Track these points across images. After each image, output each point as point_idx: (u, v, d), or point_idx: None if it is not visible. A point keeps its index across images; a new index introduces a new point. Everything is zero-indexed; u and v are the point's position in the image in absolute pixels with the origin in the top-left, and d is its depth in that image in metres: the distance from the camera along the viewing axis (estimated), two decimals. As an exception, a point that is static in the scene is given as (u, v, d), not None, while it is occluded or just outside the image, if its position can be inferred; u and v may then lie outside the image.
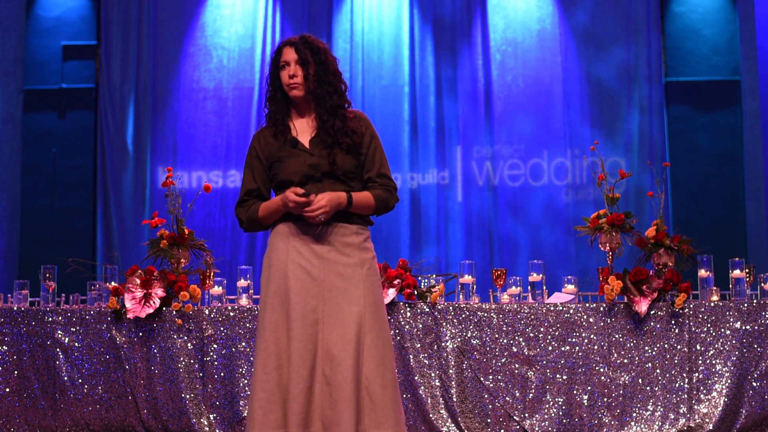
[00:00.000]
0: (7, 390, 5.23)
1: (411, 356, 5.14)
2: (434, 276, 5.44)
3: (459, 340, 5.15)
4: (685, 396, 5.10)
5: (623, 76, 8.78)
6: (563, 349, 5.15)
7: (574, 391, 5.11)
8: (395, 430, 3.43)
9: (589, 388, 5.11)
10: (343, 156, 3.57)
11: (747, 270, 5.41)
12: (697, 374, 5.12)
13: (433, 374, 5.13)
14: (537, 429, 5.08)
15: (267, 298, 3.54)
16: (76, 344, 5.23)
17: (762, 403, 5.08)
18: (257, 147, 3.65)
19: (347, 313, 3.47)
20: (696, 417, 5.08)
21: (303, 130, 3.63)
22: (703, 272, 5.38)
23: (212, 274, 5.43)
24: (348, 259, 3.54)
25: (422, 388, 5.12)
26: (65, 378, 5.21)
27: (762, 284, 5.41)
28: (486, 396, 5.11)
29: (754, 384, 5.10)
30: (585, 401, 5.10)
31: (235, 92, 8.88)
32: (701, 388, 5.11)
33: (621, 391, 5.10)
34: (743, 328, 5.14)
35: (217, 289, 5.51)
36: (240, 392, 5.15)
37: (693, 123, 8.82)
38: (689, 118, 8.83)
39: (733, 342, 5.12)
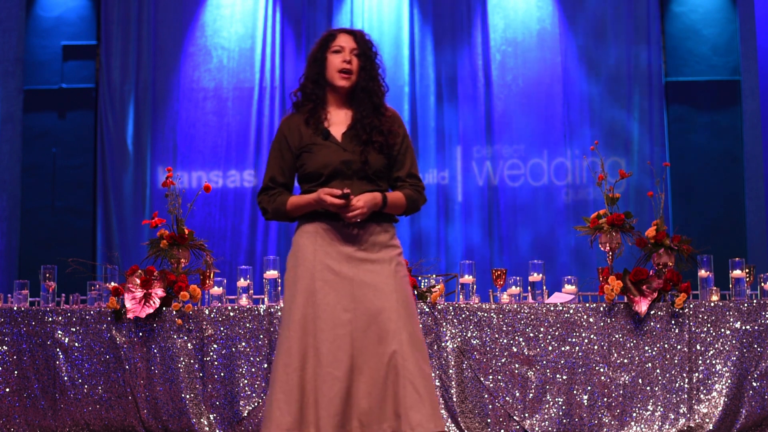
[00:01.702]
0: (7, 390, 5.23)
1: (411, 356, 5.13)
2: (434, 276, 5.44)
3: (459, 340, 5.15)
4: (685, 396, 5.10)
5: (623, 76, 8.78)
6: (563, 349, 5.15)
7: (574, 391, 5.10)
8: (441, 424, 3.37)
9: (589, 388, 5.11)
10: (376, 155, 3.50)
11: (747, 270, 5.41)
12: (697, 374, 5.12)
13: (433, 374, 5.13)
14: (537, 429, 5.07)
15: (293, 298, 3.45)
16: (76, 344, 5.23)
17: (762, 403, 5.08)
18: (287, 133, 3.54)
19: (380, 311, 3.40)
20: (696, 417, 5.08)
21: (336, 122, 3.54)
22: (703, 272, 5.38)
23: (212, 274, 5.43)
24: (377, 257, 3.47)
25: (422, 388, 5.11)
26: (65, 378, 5.21)
27: (762, 284, 5.41)
28: (486, 396, 5.11)
29: (754, 384, 5.10)
30: (585, 401, 5.10)
31: (235, 92, 8.88)
32: (701, 388, 5.11)
33: (621, 391, 5.10)
34: (743, 328, 5.14)
35: (217, 289, 5.51)
36: (240, 392, 5.15)
37: (693, 123, 8.82)
38: (689, 118, 8.83)
39: (733, 342, 5.12)
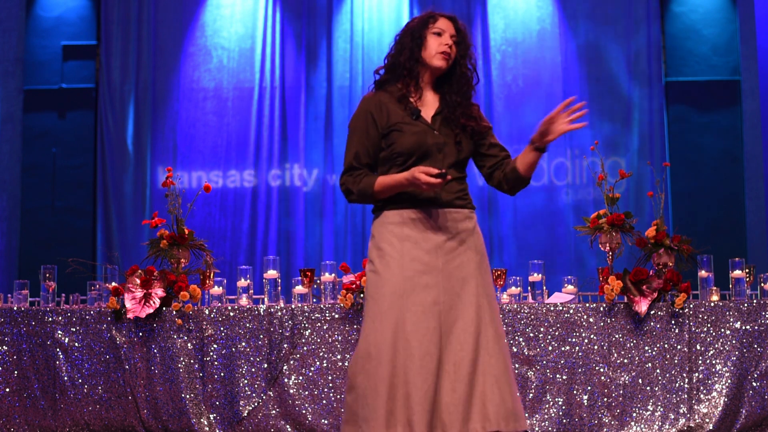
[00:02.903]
0: (7, 390, 5.23)
1: (411, 356, 5.13)
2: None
3: (459, 340, 5.15)
4: (685, 396, 5.10)
5: (623, 76, 8.78)
6: (563, 349, 5.15)
7: (574, 391, 5.11)
8: (523, 424, 3.28)
9: (589, 388, 5.11)
10: (467, 140, 3.42)
11: (747, 270, 5.41)
12: (697, 374, 5.12)
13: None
14: (537, 429, 5.07)
15: (379, 289, 3.30)
16: (76, 344, 5.23)
17: (762, 403, 5.08)
18: (374, 111, 3.40)
19: (468, 304, 3.30)
20: (696, 417, 5.08)
21: (426, 104, 3.44)
22: (703, 272, 5.38)
23: (212, 274, 5.43)
24: (464, 246, 3.36)
25: (422, 388, 5.11)
26: (65, 378, 5.21)
27: (762, 284, 5.41)
28: (486, 396, 5.11)
29: (754, 384, 5.10)
30: (585, 401, 5.10)
31: (235, 92, 8.87)
32: (701, 388, 5.11)
33: (621, 391, 5.10)
34: (743, 328, 5.14)
35: (217, 289, 5.51)
36: (240, 392, 5.15)
37: (693, 123, 8.82)
38: (689, 118, 8.83)
39: (733, 342, 5.12)
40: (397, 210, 3.37)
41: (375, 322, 3.28)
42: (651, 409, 5.09)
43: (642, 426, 5.07)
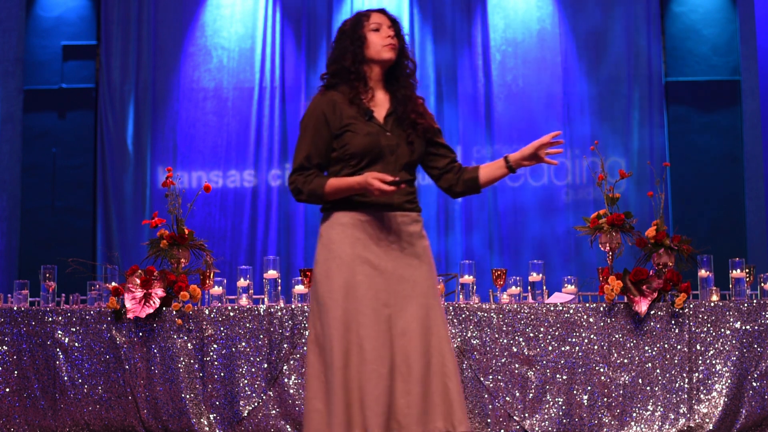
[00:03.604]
0: (7, 390, 5.23)
1: (411, 356, 5.13)
2: (434, 276, 5.43)
3: (459, 340, 5.15)
4: (685, 396, 5.09)
5: (623, 76, 8.78)
6: (563, 349, 5.15)
7: (574, 391, 5.10)
8: (469, 426, 3.29)
9: (589, 388, 5.11)
10: (420, 141, 3.40)
11: (747, 270, 5.41)
12: (697, 374, 5.12)
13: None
14: (537, 429, 5.07)
15: (331, 294, 3.27)
16: (76, 344, 5.23)
17: (762, 403, 5.08)
18: (326, 110, 3.35)
19: (419, 306, 3.29)
20: (696, 417, 5.08)
21: (377, 104, 3.42)
22: (703, 272, 5.38)
23: (212, 274, 5.43)
24: (412, 249, 3.34)
25: (422, 388, 5.11)
26: (65, 378, 5.21)
27: (762, 284, 5.41)
28: (486, 396, 5.11)
29: (754, 384, 5.10)
30: (585, 401, 5.10)
31: (235, 92, 8.88)
32: (701, 388, 5.11)
33: (621, 391, 5.10)
34: (743, 328, 5.14)
35: (217, 289, 5.51)
36: (240, 392, 5.15)
37: (693, 123, 8.82)
38: (689, 118, 8.83)
39: (733, 342, 5.12)
40: (347, 212, 3.34)
41: (329, 328, 3.25)
42: (651, 409, 5.09)
43: (642, 426, 5.07)
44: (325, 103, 3.38)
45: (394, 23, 3.46)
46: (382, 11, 3.48)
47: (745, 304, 5.17)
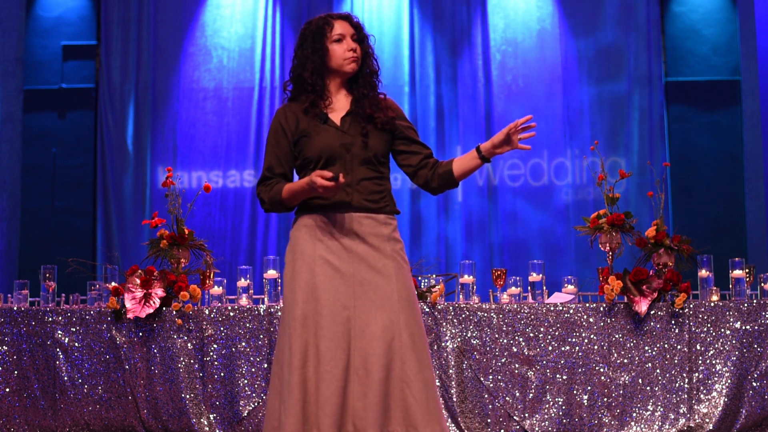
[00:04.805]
0: (7, 390, 5.23)
1: (411, 356, 5.13)
2: (434, 276, 5.44)
3: (459, 340, 5.15)
4: (685, 396, 5.10)
5: (623, 76, 8.78)
6: (563, 349, 5.15)
7: (574, 391, 5.11)
8: (441, 428, 3.27)
9: (589, 388, 5.11)
10: (378, 135, 3.40)
11: (747, 270, 5.41)
12: (697, 374, 5.12)
13: (434, 375, 5.13)
14: (537, 429, 5.08)
15: (293, 294, 3.33)
16: (76, 344, 5.23)
17: (762, 403, 5.08)
18: (282, 122, 3.42)
19: (381, 309, 3.28)
20: (696, 417, 5.08)
21: (336, 108, 3.43)
22: (703, 272, 5.38)
23: (212, 274, 5.43)
24: (378, 252, 3.34)
25: (422, 388, 5.11)
26: (65, 378, 5.21)
27: (762, 284, 5.41)
28: (486, 396, 5.11)
29: (754, 384, 5.10)
30: (585, 401, 5.10)
31: (235, 92, 8.88)
32: (701, 388, 5.11)
33: (621, 391, 5.10)
34: (743, 328, 5.14)
35: (217, 289, 5.51)
36: (240, 392, 5.15)
37: (693, 123, 8.82)
38: (689, 118, 8.83)
39: (733, 342, 5.12)
40: (310, 215, 3.39)
41: (290, 328, 3.30)
42: (651, 409, 5.09)
43: (642, 426, 5.07)
44: (283, 115, 3.44)
45: (358, 29, 3.46)
46: (346, 18, 3.47)
47: (745, 304, 5.17)
